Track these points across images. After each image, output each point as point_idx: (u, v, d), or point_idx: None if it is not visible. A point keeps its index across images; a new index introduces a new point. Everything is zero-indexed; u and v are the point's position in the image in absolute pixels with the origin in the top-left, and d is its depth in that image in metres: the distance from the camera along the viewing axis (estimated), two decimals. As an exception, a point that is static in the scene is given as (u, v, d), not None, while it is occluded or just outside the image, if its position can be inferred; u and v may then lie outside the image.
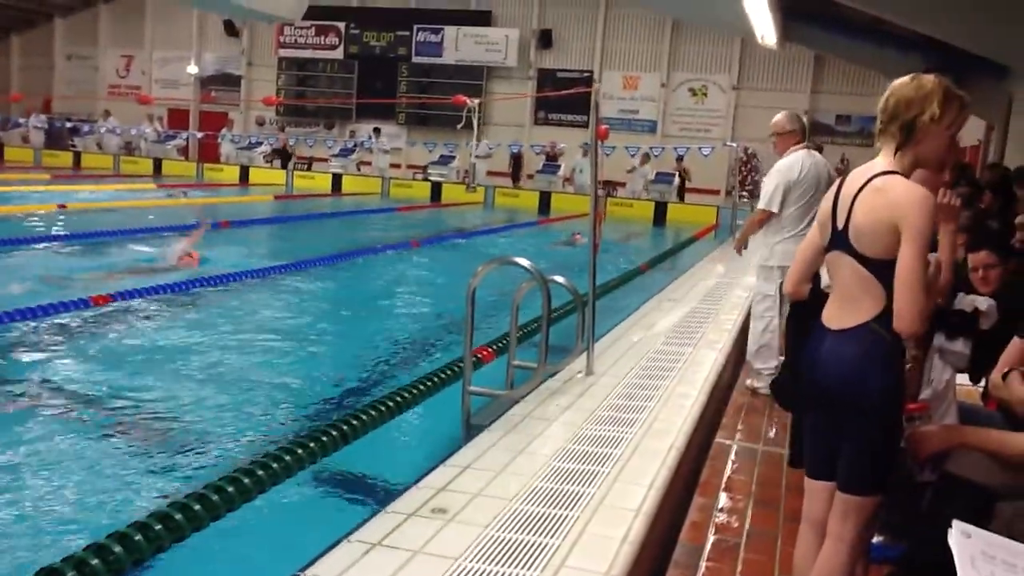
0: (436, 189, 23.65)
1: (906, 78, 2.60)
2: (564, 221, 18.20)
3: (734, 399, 5.96)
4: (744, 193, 23.14)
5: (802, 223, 5.64)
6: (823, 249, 2.70)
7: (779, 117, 6.16)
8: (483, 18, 28.37)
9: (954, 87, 2.54)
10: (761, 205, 5.92)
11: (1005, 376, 3.16)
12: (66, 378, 5.75)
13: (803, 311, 2.95)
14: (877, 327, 2.50)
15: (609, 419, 4.48)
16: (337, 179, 24.61)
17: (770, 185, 5.89)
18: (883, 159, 2.59)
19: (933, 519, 2.63)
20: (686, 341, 6.54)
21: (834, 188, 2.70)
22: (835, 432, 2.62)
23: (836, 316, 2.60)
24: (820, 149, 6.65)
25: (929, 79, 2.56)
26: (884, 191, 2.48)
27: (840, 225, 2.59)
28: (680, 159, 23.05)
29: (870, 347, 2.50)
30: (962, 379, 3.39)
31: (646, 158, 22.84)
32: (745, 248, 6.55)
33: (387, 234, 14.87)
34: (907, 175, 2.53)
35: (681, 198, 23.28)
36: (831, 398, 2.59)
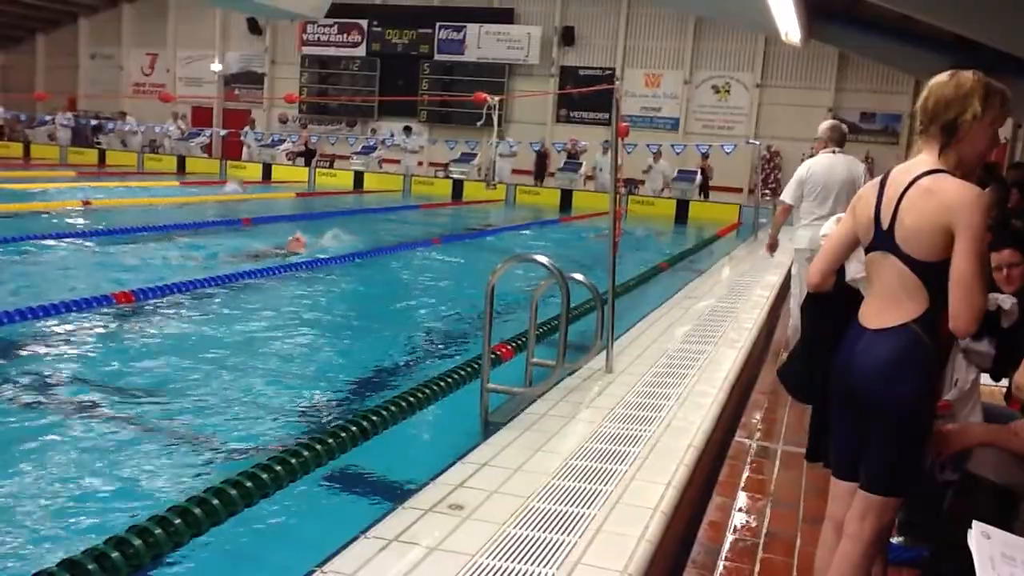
0: (457, 187, 23.66)
1: (944, 76, 2.56)
2: (587, 219, 18.17)
3: (754, 398, 5.93)
4: (767, 191, 23.04)
5: (817, 212, 6.68)
6: (864, 249, 2.66)
7: (821, 125, 7.19)
8: (505, 15, 28.37)
9: (993, 82, 2.51)
10: (781, 198, 7.20)
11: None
12: (89, 373, 5.80)
13: (822, 303, 2.92)
14: (917, 329, 2.48)
15: (628, 417, 4.47)
16: (359, 177, 24.69)
17: (790, 182, 7.06)
18: (927, 157, 2.55)
19: (955, 520, 2.60)
20: (706, 339, 6.51)
21: (875, 187, 2.65)
22: (864, 431, 2.60)
23: (875, 315, 2.58)
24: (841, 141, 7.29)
25: (968, 76, 2.52)
26: (935, 192, 2.44)
27: (885, 225, 2.55)
28: (705, 156, 22.95)
29: (908, 348, 2.48)
30: (984, 379, 3.36)
31: (658, 155, 22.72)
32: (776, 248, 7.71)
33: (409, 231, 14.91)
34: (954, 172, 2.49)
35: (705, 195, 23.20)
36: (864, 396, 2.57)
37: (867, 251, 2.64)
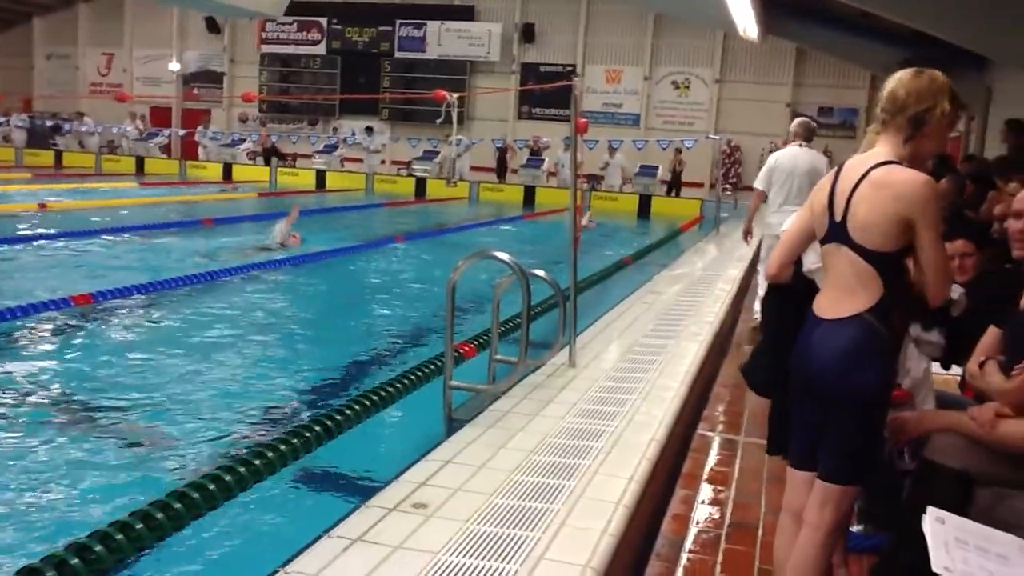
0: (420, 185, 23.59)
1: (910, 71, 2.62)
2: (550, 215, 18.20)
3: (716, 391, 5.97)
4: (728, 186, 23.23)
5: (781, 200, 7.40)
6: (819, 241, 2.70)
7: (793, 122, 8.00)
8: (466, 13, 28.35)
9: (956, 89, 2.59)
10: (754, 186, 7.89)
11: (982, 365, 3.18)
12: (45, 377, 5.72)
13: (781, 295, 2.95)
14: (871, 318, 2.51)
15: (591, 412, 4.49)
16: (321, 175, 24.54)
17: (761, 172, 7.72)
18: (882, 148, 2.60)
19: (913, 506, 2.64)
20: (668, 334, 6.56)
21: (829, 180, 2.69)
22: (822, 421, 2.63)
23: (830, 306, 2.61)
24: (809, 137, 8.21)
25: (939, 75, 2.59)
26: (887, 183, 2.49)
27: (838, 218, 2.59)
28: (678, 151, 23.11)
29: (863, 337, 2.52)
30: (935, 367, 3.42)
31: (614, 151, 22.83)
32: (752, 234, 8.47)
33: (372, 230, 14.84)
34: (907, 165, 2.55)
35: (677, 191, 23.36)
36: (821, 386, 2.59)
37: (822, 243, 2.67)
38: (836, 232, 2.59)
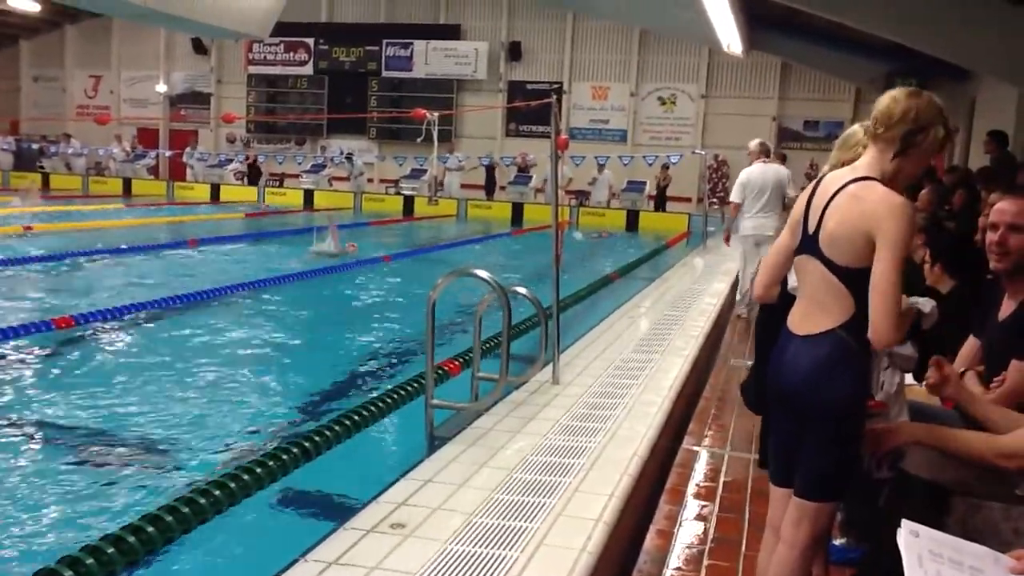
0: (408, 203, 23.60)
1: (906, 90, 2.58)
2: (538, 231, 18.19)
3: (702, 405, 5.95)
4: (715, 200, 23.30)
5: (755, 209, 8.85)
6: (793, 252, 2.67)
7: (750, 143, 9.41)
8: (452, 32, 28.44)
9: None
10: (731, 199, 9.40)
11: (961, 376, 3.17)
12: (23, 400, 5.68)
13: (772, 314, 2.94)
14: (844, 334, 2.48)
15: (573, 429, 4.46)
16: (309, 195, 24.54)
17: (735, 186, 9.14)
18: (865, 162, 2.55)
19: (890, 518, 2.62)
20: (653, 349, 6.54)
21: (807, 191, 2.67)
22: (797, 438, 2.60)
23: (802, 321, 2.58)
24: (783, 158, 10.56)
25: (936, 98, 2.55)
26: (860, 199, 2.44)
27: (811, 230, 2.55)
28: (665, 167, 23.20)
29: (835, 353, 2.47)
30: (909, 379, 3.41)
31: (602, 167, 22.94)
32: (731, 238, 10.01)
33: (359, 249, 14.80)
34: (889, 181, 2.49)
35: (662, 206, 23.41)
36: (793, 403, 2.57)
37: (796, 254, 2.64)
38: (808, 244, 2.57)
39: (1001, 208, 3.18)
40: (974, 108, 15.82)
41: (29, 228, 14.64)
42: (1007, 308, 3.24)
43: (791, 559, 2.61)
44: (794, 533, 2.61)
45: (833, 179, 2.58)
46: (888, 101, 2.55)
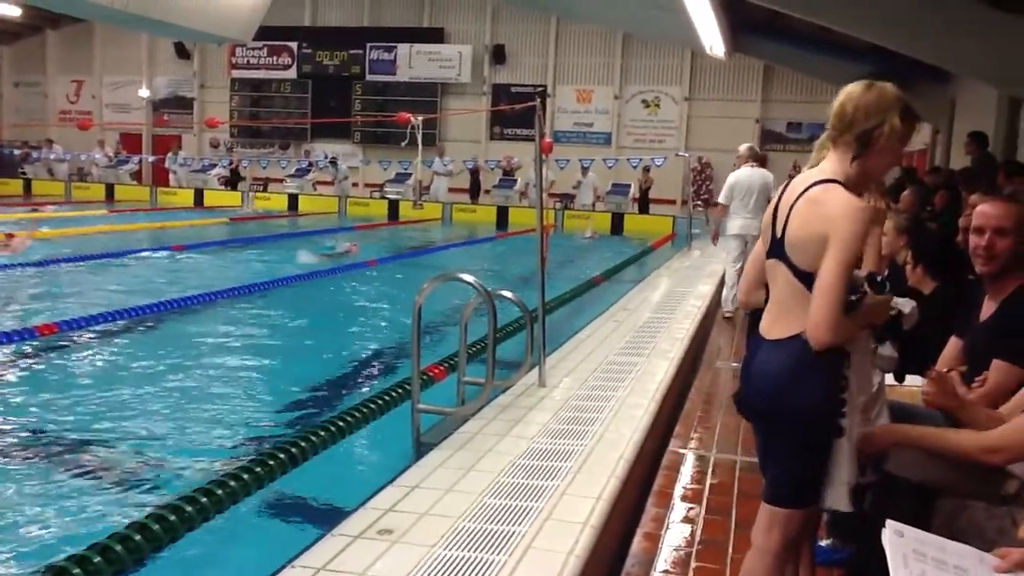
0: (393, 207, 23.57)
1: (860, 84, 2.53)
2: (523, 235, 18.20)
3: (688, 407, 5.97)
4: (700, 202, 23.36)
5: (742, 209, 9.24)
6: (766, 255, 2.65)
7: (740, 147, 9.79)
8: (435, 35, 28.42)
9: (909, 102, 2.49)
10: (718, 200, 9.77)
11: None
12: (6, 409, 5.64)
13: (755, 319, 2.95)
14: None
15: (560, 432, 4.47)
16: (293, 199, 24.47)
17: (724, 188, 9.51)
18: (828, 165, 2.53)
19: (876, 519, 2.64)
20: (639, 351, 6.56)
21: (776, 195, 2.66)
22: (766, 443, 2.60)
23: (771, 327, 2.57)
24: (764, 160, 10.97)
25: (890, 88, 2.50)
26: (820, 202, 2.42)
27: (779, 234, 2.53)
28: (647, 170, 23.25)
29: (801, 358, 2.44)
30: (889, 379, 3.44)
31: (586, 171, 22.98)
32: (718, 238, 10.37)
33: (344, 253, 14.77)
34: (854, 183, 2.48)
35: (645, 208, 23.45)
36: (761, 408, 2.56)
37: (767, 258, 2.62)
38: (775, 247, 2.56)
39: (985, 212, 3.20)
40: (954, 110, 15.94)
41: (11, 236, 14.52)
42: (988, 309, 3.27)
43: (762, 565, 2.61)
44: (765, 540, 2.60)
45: (798, 182, 2.56)
46: (842, 99, 2.53)
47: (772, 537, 2.59)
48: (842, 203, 2.38)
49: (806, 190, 2.48)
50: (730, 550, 3.71)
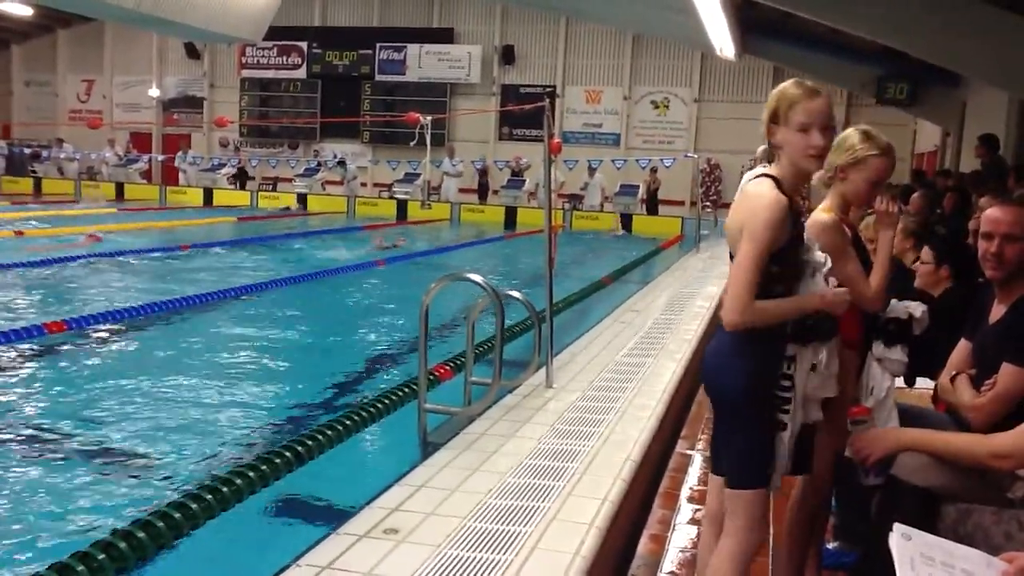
0: (401, 207, 23.60)
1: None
2: (531, 235, 18.20)
3: (696, 409, 5.96)
4: (708, 204, 23.33)
5: None
6: None
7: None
8: (445, 35, 28.46)
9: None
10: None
11: (953, 379, 3.18)
12: (16, 405, 5.66)
13: None
14: None
15: (567, 432, 4.46)
16: (302, 198, 24.52)
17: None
18: (780, 162, 2.71)
19: (881, 523, 2.63)
20: (647, 352, 6.54)
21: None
22: (717, 427, 2.72)
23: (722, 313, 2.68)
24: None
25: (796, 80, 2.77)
26: (747, 195, 2.58)
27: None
28: (654, 171, 23.23)
29: (730, 342, 2.56)
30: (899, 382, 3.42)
31: (593, 171, 22.97)
32: None
33: (352, 253, 14.81)
34: (787, 176, 2.64)
35: (654, 209, 23.44)
36: (707, 389, 2.71)
37: None
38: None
39: (995, 218, 3.18)
40: (965, 112, 15.89)
41: (21, 233, 14.60)
42: (997, 312, 3.25)
43: (727, 550, 2.66)
44: (732, 523, 2.66)
45: (745, 178, 2.72)
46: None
47: (737, 521, 2.64)
48: (762, 194, 2.53)
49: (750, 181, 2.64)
50: (736, 552, 3.70)
